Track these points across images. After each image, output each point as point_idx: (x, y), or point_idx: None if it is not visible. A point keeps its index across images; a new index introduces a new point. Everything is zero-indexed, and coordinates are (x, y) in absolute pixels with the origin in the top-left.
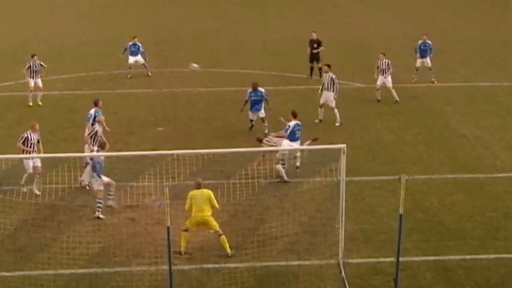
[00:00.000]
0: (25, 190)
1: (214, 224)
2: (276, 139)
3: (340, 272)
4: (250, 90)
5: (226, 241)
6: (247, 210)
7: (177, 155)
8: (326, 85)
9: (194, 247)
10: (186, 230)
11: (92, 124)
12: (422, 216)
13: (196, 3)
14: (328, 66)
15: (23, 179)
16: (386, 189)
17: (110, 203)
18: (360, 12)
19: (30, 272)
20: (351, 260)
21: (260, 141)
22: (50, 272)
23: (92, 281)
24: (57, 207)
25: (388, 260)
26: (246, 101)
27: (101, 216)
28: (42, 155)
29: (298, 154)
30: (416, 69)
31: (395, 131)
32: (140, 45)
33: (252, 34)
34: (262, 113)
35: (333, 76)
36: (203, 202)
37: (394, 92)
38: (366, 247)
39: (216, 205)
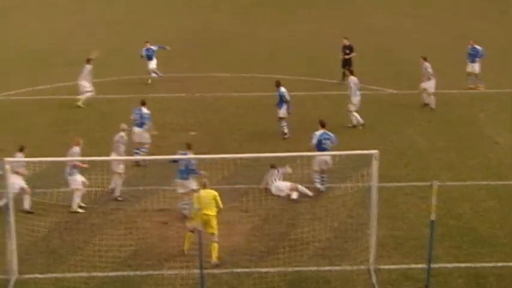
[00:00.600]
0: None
1: (215, 227)
2: (284, 185)
3: (371, 278)
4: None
5: (217, 250)
6: (279, 215)
7: (210, 159)
8: (351, 90)
9: (225, 251)
10: (191, 231)
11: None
12: (454, 223)
13: (228, 8)
14: (351, 70)
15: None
16: (418, 195)
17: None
18: (391, 18)
19: (63, 274)
20: (382, 266)
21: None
22: (83, 274)
23: (123, 283)
24: (89, 210)
25: (419, 266)
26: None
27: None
28: (77, 158)
29: (330, 164)
30: (468, 75)
31: (427, 137)
32: (153, 48)
33: (284, 39)
34: (281, 113)
35: (356, 81)
36: (208, 202)
37: (432, 98)
38: (397, 253)
39: (221, 205)
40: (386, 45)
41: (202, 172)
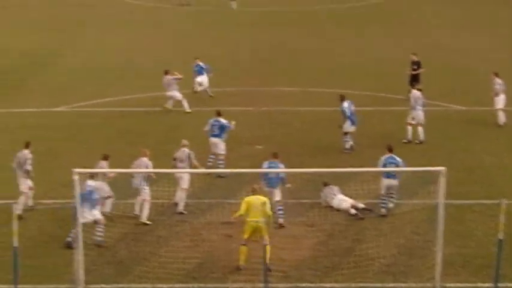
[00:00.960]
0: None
1: (265, 233)
2: (340, 197)
3: None
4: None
5: (268, 251)
6: (344, 230)
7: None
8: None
9: (290, 265)
10: (244, 244)
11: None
12: None
13: (295, 24)
14: (412, 86)
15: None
16: (486, 213)
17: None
18: (459, 34)
19: (128, 285)
20: (448, 284)
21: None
22: (148, 285)
23: None
24: (156, 222)
25: (485, 285)
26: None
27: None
28: (147, 170)
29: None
30: None
31: (495, 154)
32: (202, 64)
33: (350, 54)
34: (344, 128)
35: (419, 95)
36: (257, 208)
37: (501, 113)
38: (463, 271)
39: (269, 212)
40: (455, 62)
41: (288, 185)
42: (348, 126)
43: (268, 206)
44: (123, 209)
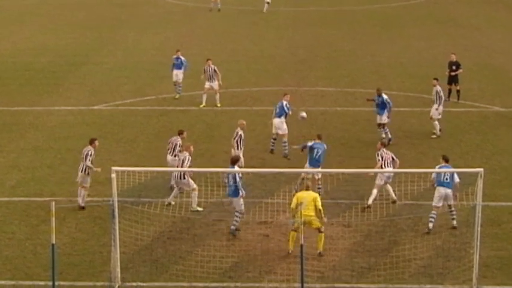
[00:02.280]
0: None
1: (317, 223)
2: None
3: None
4: (375, 95)
5: (322, 239)
6: (381, 231)
7: (313, 173)
8: (433, 98)
9: (326, 266)
10: (294, 230)
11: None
12: None
13: (334, 24)
14: (436, 79)
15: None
16: None
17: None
18: (499, 35)
19: (165, 283)
20: (484, 287)
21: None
22: (184, 284)
23: None
24: (192, 221)
25: None
26: (373, 99)
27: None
28: (184, 168)
29: (450, 202)
30: None
31: None
32: (183, 58)
33: (390, 55)
34: (383, 119)
35: (438, 89)
36: (309, 203)
37: None
38: (501, 274)
39: (320, 207)
40: (494, 63)
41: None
42: (385, 118)
43: (319, 201)
44: (160, 207)
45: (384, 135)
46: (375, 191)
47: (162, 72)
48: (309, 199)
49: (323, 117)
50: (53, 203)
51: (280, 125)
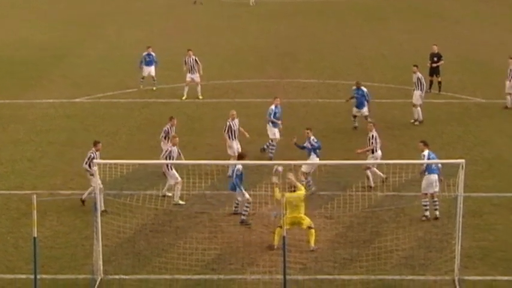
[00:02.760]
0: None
1: (307, 221)
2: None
3: None
4: (354, 87)
5: (313, 235)
6: (363, 222)
7: (294, 165)
8: (414, 85)
9: (308, 257)
10: (280, 226)
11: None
12: None
13: (317, 16)
14: (416, 66)
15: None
16: (506, 206)
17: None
18: (480, 28)
19: (147, 275)
20: (467, 277)
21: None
22: (167, 276)
23: (206, 287)
24: (175, 213)
25: (505, 278)
26: (351, 97)
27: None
28: (177, 161)
29: (436, 189)
30: None
31: None
32: (154, 55)
33: (372, 47)
34: (364, 112)
35: (419, 76)
36: (297, 202)
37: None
38: (482, 264)
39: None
40: (476, 55)
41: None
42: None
43: (303, 198)
44: (142, 200)
45: (357, 125)
46: (368, 172)
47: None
48: (297, 200)
49: (305, 109)
50: (34, 196)
51: (268, 129)
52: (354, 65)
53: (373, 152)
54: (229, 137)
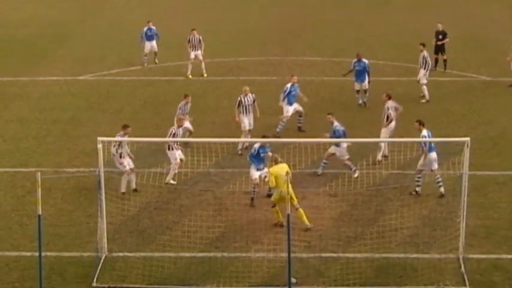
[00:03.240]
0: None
1: (294, 198)
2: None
3: (460, 267)
4: (354, 60)
5: (303, 214)
6: (367, 200)
7: (299, 143)
8: (419, 63)
9: (313, 235)
10: (274, 206)
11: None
12: None
13: None
14: (423, 45)
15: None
16: (510, 184)
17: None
18: (485, 5)
19: (151, 253)
20: (471, 255)
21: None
22: (171, 254)
23: (211, 265)
24: (179, 191)
25: (509, 256)
26: (351, 70)
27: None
28: (178, 139)
29: (436, 166)
30: None
31: None
32: (155, 28)
33: (376, 25)
34: (365, 85)
35: (425, 54)
36: (283, 178)
37: None
38: (487, 243)
39: (290, 175)
40: (481, 33)
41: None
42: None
43: (290, 174)
44: (146, 178)
45: (361, 101)
46: (382, 145)
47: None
48: (282, 174)
49: (309, 87)
50: (39, 174)
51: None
52: (357, 42)
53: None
54: (240, 112)
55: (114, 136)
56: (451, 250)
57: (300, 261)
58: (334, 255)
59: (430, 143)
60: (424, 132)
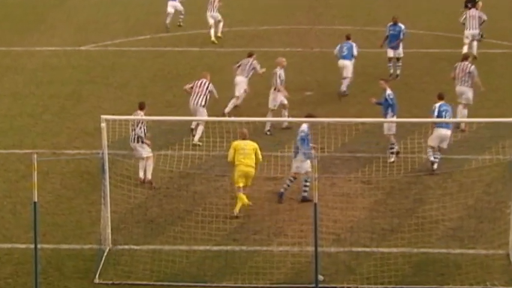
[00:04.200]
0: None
1: (250, 180)
2: None
3: (510, 264)
4: (390, 23)
5: (243, 199)
6: (405, 188)
7: (328, 123)
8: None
9: (343, 227)
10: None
11: None
12: None
13: None
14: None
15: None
16: None
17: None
18: None
19: (161, 246)
20: None
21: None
22: (183, 247)
23: (228, 259)
24: (192, 176)
25: None
26: (387, 36)
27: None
28: (197, 118)
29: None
30: None
31: None
32: None
33: None
34: (399, 53)
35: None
36: (248, 154)
37: None
38: None
39: (260, 158)
40: None
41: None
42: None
43: (259, 152)
44: (155, 161)
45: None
46: None
47: (158, 8)
48: (247, 149)
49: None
50: (35, 156)
51: (348, 67)
52: (393, 10)
53: None
54: (280, 87)
55: (120, 114)
56: (500, 245)
57: (328, 256)
58: (367, 249)
59: (441, 112)
60: (436, 104)
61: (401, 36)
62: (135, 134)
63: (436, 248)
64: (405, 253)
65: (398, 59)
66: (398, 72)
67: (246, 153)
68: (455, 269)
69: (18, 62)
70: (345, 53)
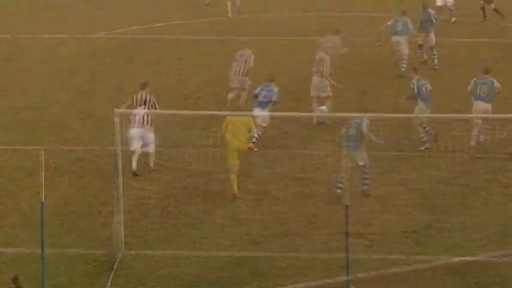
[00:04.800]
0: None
1: (241, 157)
2: None
3: None
4: (419, 10)
5: (236, 180)
6: (445, 190)
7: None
8: None
9: (376, 232)
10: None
11: None
12: None
13: None
14: None
15: None
16: None
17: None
18: None
19: (178, 251)
20: None
21: None
22: (201, 252)
23: (251, 266)
24: (211, 175)
25: None
26: (421, 25)
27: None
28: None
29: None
30: None
31: None
32: None
33: None
34: (431, 40)
35: None
36: (241, 129)
37: None
38: None
39: (254, 133)
40: None
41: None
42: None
43: (253, 126)
44: (173, 159)
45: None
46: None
47: None
48: (241, 125)
49: (375, 49)
50: (42, 152)
51: (403, 44)
52: None
53: None
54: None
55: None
56: None
57: (361, 263)
58: (403, 257)
59: (479, 91)
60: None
61: (434, 21)
62: (142, 116)
63: (479, 255)
64: (444, 263)
65: (431, 47)
66: (436, 62)
67: (238, 129)
68: (498, 277)
69: (25, 51)
70: (399, 29)
